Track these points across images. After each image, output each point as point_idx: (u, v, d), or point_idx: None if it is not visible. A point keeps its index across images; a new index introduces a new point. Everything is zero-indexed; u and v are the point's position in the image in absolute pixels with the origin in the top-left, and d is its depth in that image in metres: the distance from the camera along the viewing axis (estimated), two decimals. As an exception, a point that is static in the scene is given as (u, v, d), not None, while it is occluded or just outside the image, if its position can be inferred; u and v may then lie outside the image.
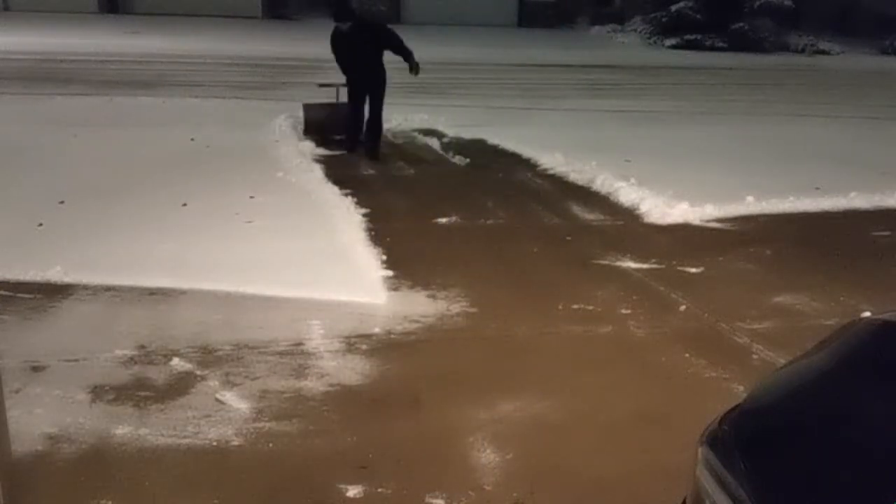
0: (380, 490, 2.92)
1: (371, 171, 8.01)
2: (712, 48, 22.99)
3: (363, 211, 6.36)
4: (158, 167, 7.35)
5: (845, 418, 1.61)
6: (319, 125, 9.15)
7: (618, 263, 5.41)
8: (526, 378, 3.80)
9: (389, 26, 8.70)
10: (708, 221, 6.39)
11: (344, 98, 8.93)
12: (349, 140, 8.77)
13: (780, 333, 4.37)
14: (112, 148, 8.12)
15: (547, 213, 6.62)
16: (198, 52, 17.00)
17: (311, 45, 14.65)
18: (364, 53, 8.34)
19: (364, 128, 8.65)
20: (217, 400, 3.49)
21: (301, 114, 9.36)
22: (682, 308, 4.69)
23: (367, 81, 8.55)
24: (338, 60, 8.61)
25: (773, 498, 1.50)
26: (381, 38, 8.36)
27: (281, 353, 3.94)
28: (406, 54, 8.36)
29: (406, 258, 5.34)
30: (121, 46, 17.26)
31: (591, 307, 4.65)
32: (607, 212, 6.67)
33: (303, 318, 4.35)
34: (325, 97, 9.34)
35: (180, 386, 3.60)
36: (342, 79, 8.81)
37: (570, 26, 26.48)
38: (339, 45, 8.48)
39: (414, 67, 8.41)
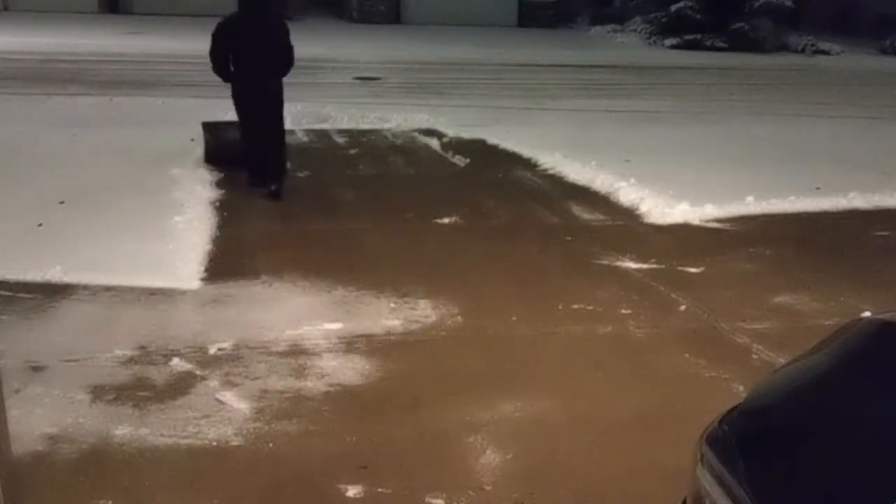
0: (380, 490, 2.92)
1: (371, 171, 8.01)
2: (712, 48, 22.96)
3: (365, 209, 6.35)
4: (158, 167, 7.35)
5: (845, 418, 1.61)
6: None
7: (618, 263, 5.41)
8: (526, 378, 3.80)
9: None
10: (708, 221, 6.38)
11: None
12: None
13: (780, 333, 4.37)
14: (112, 148, 8.12)
15: (547, 213, 6.62)
16: (198, 52, 16.91)
17: (310, 45, 14.62)
18: None
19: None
20: (217, 400, 3.49)
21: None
22: (682, 308, 4.69)
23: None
24: None
25: (773, 498, 1.50)
26: None
27: (280, 353, 3.94)
28: None
29: (406, 258, 5.35)
30: (121, 46, 17.23)
31: (591, 307, 4.65)
32: (607, 212, 6.67)
33: (300, 315, 4.36)
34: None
35: (180, 386, 3.60)
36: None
37: (570, 26, 26.48)
38: None
39: None
